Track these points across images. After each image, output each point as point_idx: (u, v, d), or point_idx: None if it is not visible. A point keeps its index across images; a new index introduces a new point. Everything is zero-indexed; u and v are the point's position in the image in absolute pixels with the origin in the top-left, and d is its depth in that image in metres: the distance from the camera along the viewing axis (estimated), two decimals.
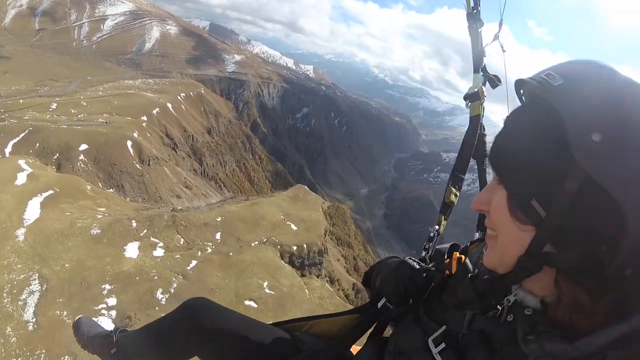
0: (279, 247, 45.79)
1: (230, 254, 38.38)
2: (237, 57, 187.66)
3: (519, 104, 1.13)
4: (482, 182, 1.89)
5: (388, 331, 1.72)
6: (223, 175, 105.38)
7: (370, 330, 1.77)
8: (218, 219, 44.62)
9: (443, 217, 1.94)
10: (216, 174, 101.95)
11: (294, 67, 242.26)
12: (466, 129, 1.98)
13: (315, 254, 53.26)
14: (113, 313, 25.85)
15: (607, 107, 0.91)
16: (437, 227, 1.90)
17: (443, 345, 1.21)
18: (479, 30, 2.03)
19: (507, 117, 1.11)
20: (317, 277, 51.48)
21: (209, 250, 38.11)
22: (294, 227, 53.02)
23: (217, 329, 1.80)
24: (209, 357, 1.89)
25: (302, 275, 45.57)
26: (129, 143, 65.91)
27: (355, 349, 1.82)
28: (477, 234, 1.83)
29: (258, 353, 1.77)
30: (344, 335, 1.81)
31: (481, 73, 2.00)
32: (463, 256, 1.46)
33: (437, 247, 1.73)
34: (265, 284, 36.00)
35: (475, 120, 1.95)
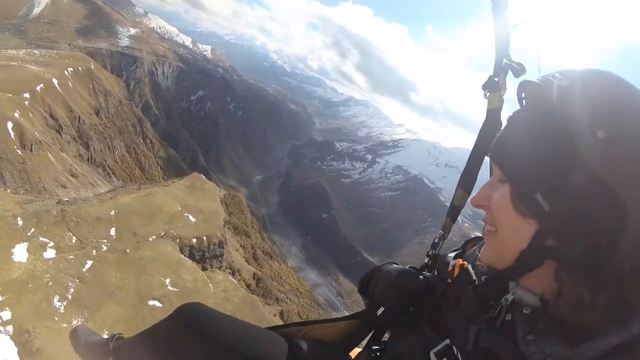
0: (178, 240, 44.64)
1: (128, 250, 36.77)
2: (132, 31, 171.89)
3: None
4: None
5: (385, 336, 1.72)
6: (112, 161, 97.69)
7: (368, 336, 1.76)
8: (111, 213, 41.93)
9: (450, 220, 1.82)
10: (104, 160, 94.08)
11: (191, 46, 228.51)
12: (480, 128, 1.72)
13: (216, 245, 53.26)
14: (10, 328, 23.27)
15: (612, 106, 0.96)
16: (442, 232, 1.82)
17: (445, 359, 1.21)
18: (504, 10, 1.69)
19: (512, 115, 1.15)
20: (219, 269, 51.53)
21: (104, 248, 35.90)
22: (192, 218, 51.97)
23: (212, 335, 1.76)
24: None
25: (204, 269, 45.10)
26: (9, 125, 57.83)
27: (352, 352, 1.78)
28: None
29: (255, 359, 1.72)
30: (342, 340, 1.75)
31: (504, 60, 1.69)
32: (466, 263, 1.43)
33: (442, 255, 1.68)
34: (168, 281, 35.10)
35: (495, 114, 1.68)
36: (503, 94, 1.71)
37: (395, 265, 1.66)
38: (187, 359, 1.84)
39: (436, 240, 1.79)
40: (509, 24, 1.72)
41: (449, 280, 1.43)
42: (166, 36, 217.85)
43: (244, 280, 64.00)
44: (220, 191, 76.37)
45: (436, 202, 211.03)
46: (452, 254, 1.63)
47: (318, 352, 1.77)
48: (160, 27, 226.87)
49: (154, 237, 42.21)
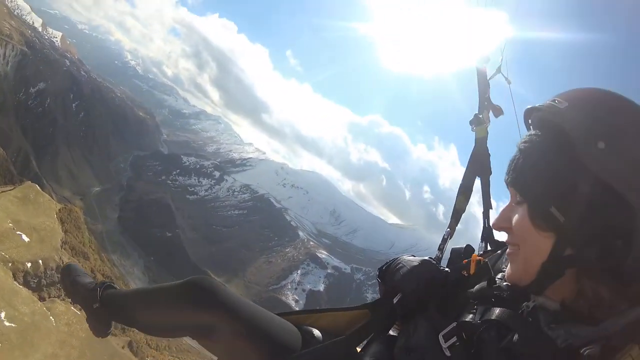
0: (10, 264, 36.65)
1: None
2: None
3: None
4: (486, 197, 2.16)
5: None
6: None
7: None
8: None
9: (454, 221, 2.14)
10: None
11: (40, 29, 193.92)
12: (472, 148, 2.25)
13: (53, 270, 46.14)
14: None
15: (608, 118, 1.10)
16: (448, 229, 2.09)
17: (453, 339, 1.26)
18: (484, 66, 2.40)
19: (522, 142, 1.25)
20: (58, 298, 45.36)
21: None
22: (25, 237, 44.28)
23: (228, 302, 1.74)
24: (212, 330, 1.76)
25: (42, 299, 37.58)
26: None
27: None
28: (480, 244, 1.97)
29: (266, 341, 1.72)
30: (352, 330, 1.75)
31: (485, 102, 2.34)
32: (482, 258, 1.53)
33: (453, 247, 1.78)
34: (3, 314, 29.64)
35: (482, 141, 2.24)
36: (487, 126, 2.28)
37: (416, 257, 1.74)
38: (184, 330, 1.86)
39: (445, 237, 2.07)
40: (488, 74, 2.39)
41: (465, 273, 1.54)
42: (16, 12, 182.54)
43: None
44: (55, 205, 67.65)
45: (282, 221, 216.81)
46: (461, 247, 1.76)
47: (330, 339, 1.75)
48: (11, 1, 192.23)
49: None
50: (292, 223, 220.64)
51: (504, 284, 1.30)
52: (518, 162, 1.22)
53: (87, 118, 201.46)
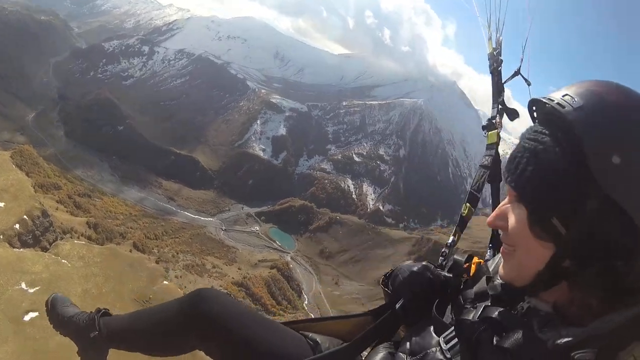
0: (1, 237, 39.41)
1: None
2: None
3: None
4: (496, 204, 1.93)
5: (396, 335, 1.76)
6: None
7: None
8: None
9: (459, 230, 2.10)
10: None
11: None
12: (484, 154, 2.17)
13: (41, 217, 48.89)
14: None
15: (627, 129, 0.98)
16: (453, 237, 2.06)
17: (454, 341, 1.28)
18: (499, 68, 2.28)
19: (525, 135, 1.17)
20: (58, 239, 48.56)
21: None
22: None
23: (228, 325, 1.78)
24: (219, 351, 1.84)
25: (45, 249, 41.37)
26: None
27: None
28: (489, 251, 1.94)
29: (272, 353, 1.74)
30: (356, 336, 1.74)
31: (499, 106, 2.21)
32: (482, 261, 1.57)
33: (454, 257, 1.74)
34: (23, 284, 29.65)
35: (492, 148, 2.16)
36: (499, 131, 2.18)
37: (413, 262, 1.78)
38: (190, 346, 1.93)
39: (448, 243, 2.03)
40: (502, 78, 2.29)
41: (465, 276, 1.57)
42: None
43: (83, 235, 65.24)
44: (5, 154, 67.19)
45: (228, 76, 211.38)
46: (462, 258, 1.70)
47: (335, 346, 1.79)
48: None
49: None
50: (239, 76, 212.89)
51: (498, 282, 1.29)
52: (521, 162, 1.12)
53: None
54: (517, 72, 2.22)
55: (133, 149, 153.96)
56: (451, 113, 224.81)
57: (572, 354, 0.97)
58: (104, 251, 41.95)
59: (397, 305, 1.66)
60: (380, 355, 1.63)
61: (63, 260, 36.78)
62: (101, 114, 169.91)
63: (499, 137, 2.17)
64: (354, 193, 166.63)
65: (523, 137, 1.17)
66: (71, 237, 53.88)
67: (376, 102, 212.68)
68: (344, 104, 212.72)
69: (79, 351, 2.23)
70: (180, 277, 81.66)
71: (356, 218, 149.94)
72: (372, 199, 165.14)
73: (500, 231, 1.25)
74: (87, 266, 37.26)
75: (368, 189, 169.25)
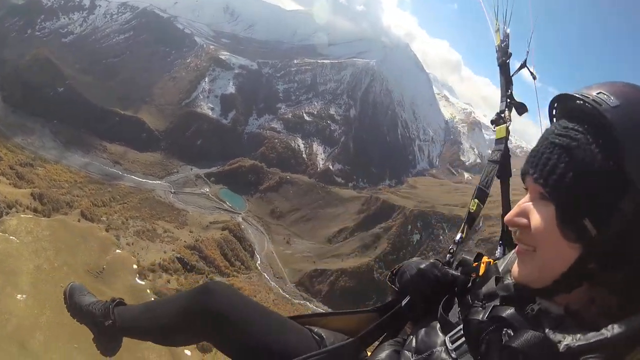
0: None
1: None
2: None
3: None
4: (505, 200, 1.95)
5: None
6: None
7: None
8: None
9: (467, 227, 2.03)
10: None
11: None
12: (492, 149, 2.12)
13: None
14: None
15: None
16: (460, 234, 2.01)
17: (460, 341, 1.27)
18: (507, 61, 2.24)
19: (553, 130, 1.12)
20: (6, 215, 46.47)
21: None
22: None
23: (234, 319, 1.81)
24: (225, 345, 1.88)
25: None
26: None
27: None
28: (499, 249, 1.89)
29: (278, 346, 1.77)
30: (361, 332, 1.78)
31: (508, 100, 2.16)
32: (492, 260, 1.54)
33: (463, 256, 1.72)
34: None
35: (501, 143, 2.10)
36: (508, 125, 2.12)
37: (420, 259, 1.77)
38: (198, 337, 2.01)
39: (456, 240, 2.00)
40: (510, 73, 2.25)
41: (474, 275, 1.53)
42: None
43: (28, 208, 61.70)
44: None
45: (174, 31, 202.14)
46: (471, 258, 1.67)
47: (341, 341, 1.80)
48: None
49: None
50: (186, 30, 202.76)
51: (511, 282, 1.24)
52: (551, 159, 1.07)
53: None
54: (523, 65, 2.17)
55: (75, 112, 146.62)
56: (403, 75, 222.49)
57: (582, 359, 0.95)
58: (52, 223, 41.58)
59: (403, 303, 1.67)
60: (386, 352, 1.62)
61: (11, 237, 36.54)
62: (40, 74, 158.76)
63: (508, 132, 2.12)
64: (304, 152, 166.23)
65: (550, 133, 1.12)
66: (17, 212, 52.84)
67: (328, 61, 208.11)
68: (296, 61, 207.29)
69: (94, 338, 2.32)
70: (132, 244, 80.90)
71: (306, 177, 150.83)
72: (322, 159, 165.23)
73: (512, 229, 1.20)
74: (36, 241, 36.93)
75: (318, 148, 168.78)
